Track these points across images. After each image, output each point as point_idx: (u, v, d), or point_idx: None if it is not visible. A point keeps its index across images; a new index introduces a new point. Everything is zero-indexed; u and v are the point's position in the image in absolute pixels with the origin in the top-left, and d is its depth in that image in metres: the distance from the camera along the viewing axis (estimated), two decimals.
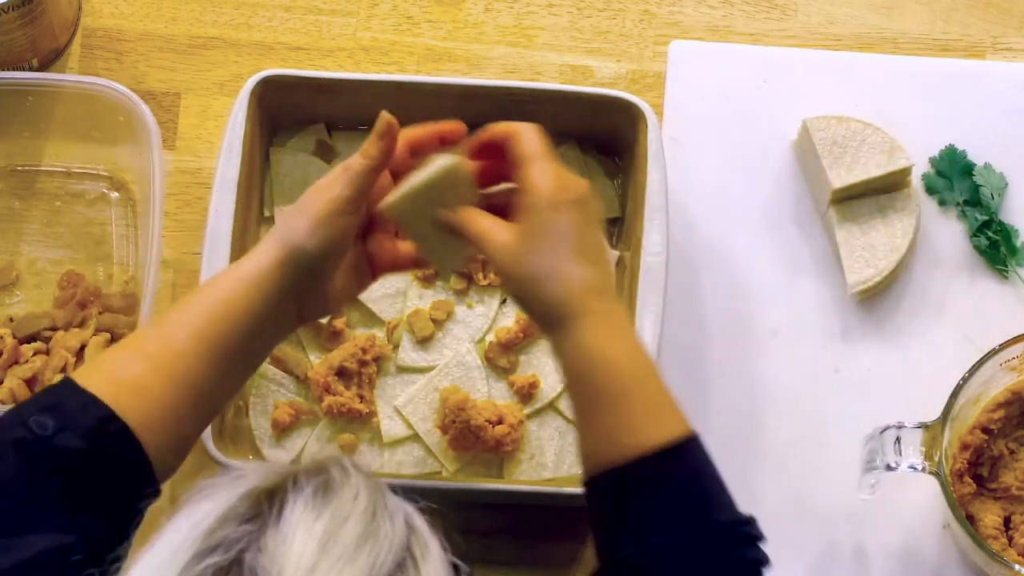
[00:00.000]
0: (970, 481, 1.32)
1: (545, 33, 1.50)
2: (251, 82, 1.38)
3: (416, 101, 1.41)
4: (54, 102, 1.44)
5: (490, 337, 1.39)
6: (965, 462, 1.32)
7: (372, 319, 1.40)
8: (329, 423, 1.37)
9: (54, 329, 1.41)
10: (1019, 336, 1.31)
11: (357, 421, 1.37)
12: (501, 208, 1.17)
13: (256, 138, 1.39)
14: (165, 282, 1.43)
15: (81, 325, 1.41)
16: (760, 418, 1.39)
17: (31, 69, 1.48)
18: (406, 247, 1.21)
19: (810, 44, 1.49)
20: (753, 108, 1.46)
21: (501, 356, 1.38)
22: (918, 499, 1.35)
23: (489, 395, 1.38)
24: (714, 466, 1.12)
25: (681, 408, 1.13)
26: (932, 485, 1.29)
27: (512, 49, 1.50)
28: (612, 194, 1.43)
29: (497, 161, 1.19)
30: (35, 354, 1.39)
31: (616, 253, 1.40)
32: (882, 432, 1.28)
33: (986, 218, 1.42)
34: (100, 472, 1.06)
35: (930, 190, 1.44)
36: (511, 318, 1.40)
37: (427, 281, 1.41)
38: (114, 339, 1.39)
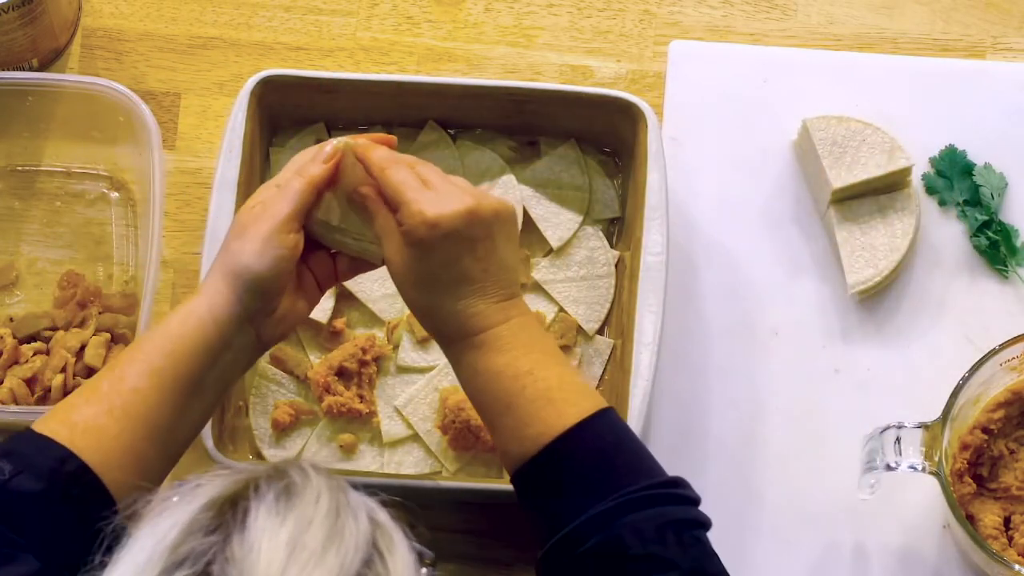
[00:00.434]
0: (970, 481, 1.32)
1: (545, 33, 1.50)
2: (251, 82, 1.38)
3: (416, 101, 1.41)
4: (54, 102, 1.44)
5: None
6: (965, 462, 1.31)
7: (372, 319, 1.40)
8: (329, 423, 1.37)
9: (54, 329, 1.41)
10: (1019, 336, 1.31)
11: (357, 421, 1.37)
12: None
13: (256, 138, 1.39)
14: (165, 282, 1.43)
15: (81, 325, 1.40)
16: (760, 418, 1.39)
17: (31, 69, 1.48)
18: (343, 258, 1.22)
19: (810, 44, 1.49)
20: (753, 108, 1.46)
21: None
22: (918, 499, 1.35)
23: None
24: (629, 435, 1.13)
25: (585, 387, 1.14)
26: (932, 485, 1.29)
27: (512, 49, 1.50)
28: (612, 194, 1.43)
29: None
30: (35, 354, 1.39)
31: (616, 253, 1.40)
32: (882, 432, 1.28)
33: (986, 218, 1.42)
34: (61, 508, 1.06)
35: (930, 190, 1.44)
36: None
37: None
38: (114, 339, 1.39)
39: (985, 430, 1.33)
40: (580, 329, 1.39)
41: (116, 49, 1.51)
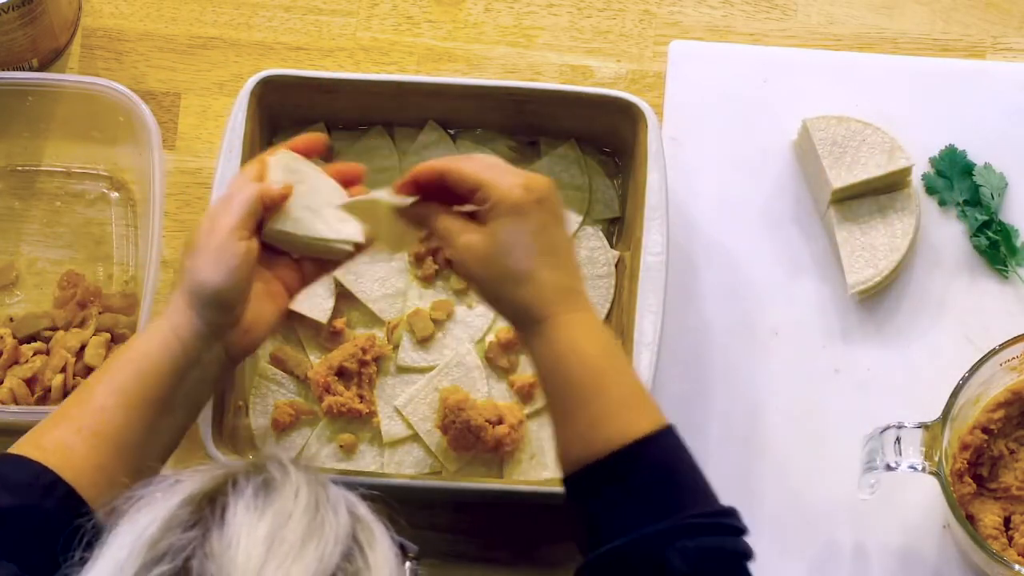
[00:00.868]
0: (970, 481, 1.32)
1: (545, 33, 1.50)
2: (251, 82, 1.38)
3: (416, 101, 1.41)
4: (54, 102, 1.44)
5: (490, 337, 1.39)
6: (965, 462, 1.31)
7: (372, 319, 1.40)
8: (329, 423, 1.37)
9: (54, 329, 1.41)
10: (1019, 336, 1.31)
11: (357, 421, 1.37)
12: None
13: (256, 138, 1.39)
14: (165, 282, 1.43)
15: (81, 325, 1.41)
16: (760, 418, 1.39)
17: (31, 69, 1.48)
18: (307, 262, 1.22)
19: (810, 44, 1.49)
20: (753, 108, 1.46)
21: (501, 356, 1.38)
22: (918, 499, 1.35)
23: (489, 395, 1.38)
24: (691, 457, 1.13)
25: (652, 401, 1.14)
26: (932, 485, 1.29)
27: (512, 49, 1.50)
28: (612, 194, 1.43)
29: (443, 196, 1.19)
30: (35, 354, 1.39)
31: (616, 253, 1.40)
32: (882, 432, 1.28)
33: (986, 218, 1.42)
34: (40, 523, 1.06)
35: (930, 190, 1.44)
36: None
37: (427, 281, 1.41)
38: (114, 339, 1.39)
39: (985, 430, 1.33)
40: None
41: (116, 49, 1.51)
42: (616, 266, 1.40)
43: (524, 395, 1.37)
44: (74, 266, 1.44)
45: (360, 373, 1.37)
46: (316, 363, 1.38)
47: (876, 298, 1.41)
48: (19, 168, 1.47)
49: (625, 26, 1.50)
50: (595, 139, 1.43)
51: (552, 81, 1.48)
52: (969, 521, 1.30)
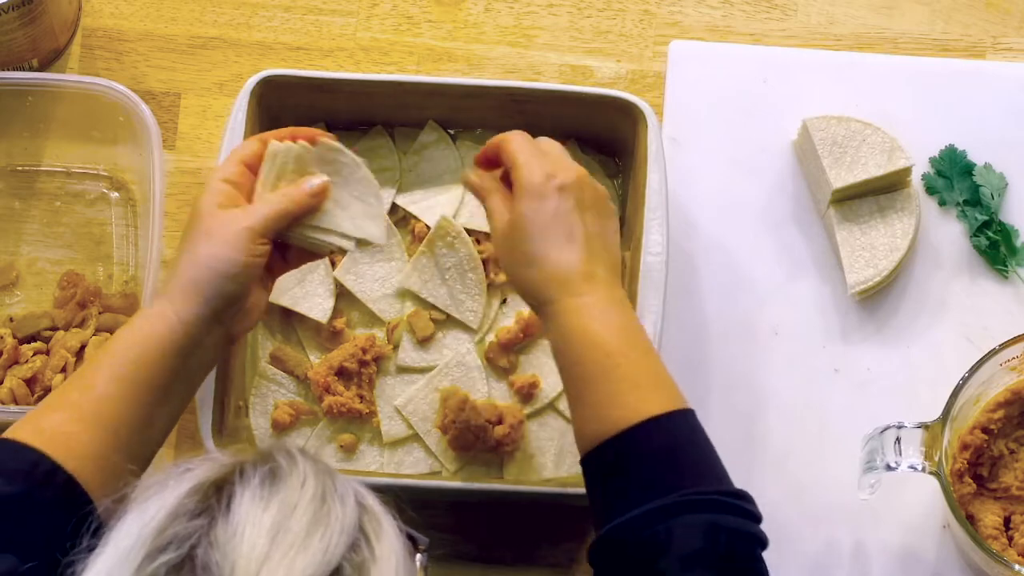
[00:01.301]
0: (970, 481, 1.32)
1: (545, 33, 1.50)
2: (251, 82, 1.38)
3: (416, 101, 1.41)
4: (54, 102, 1.44)
5: (490, 337, 1.39)
6: (965, 462, 1.31)
7: (372, 319, 1.40)
8: (329, 423, 1.37)
9: (54, 329, 1.41)
10: (1019, 336, 1.31)
11: (357, 421, 1.37)
12: None
13: None
14: (165, 282, 1.43)
15: (81, 325, 1.41)
16: (760, 418, 1.39)
17: (31, 69, 1.48)
18: (292, 248, 1.23)
19: (810, 44, 1.49)
20: (753, 108, 1.46)
21: (501, 356, 1.38)
22: (918, 499, 1.35)
23: (489, 395, 1.38)
24: (706, 441, 1.13)
25: (672, 384, 1.15)
26: (932, 485, 1.29)
27: (512, 49, 1.50)
28: (612, 194, 1.42)
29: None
30: (35, 354, 1.39)
31: None
32: (882, 432, 1.28)
33: (986, 218, 1.42)
34: (37, 509, 1.06)
35: (930, 190, 1.44)
36: (511, 318, 1.40)
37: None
38: None
39: (985, 430, 1.33)
40: None
41: (116, 49, 1.51)
42: None
43: (524, 395, 1.37)
44: (74, 266, 1.44)
45: (360, 373, 1.37)
46: (316, 363, 1.38)
47: (876, 298, 1.41)
48: (19, 168, 1.47)
49: (625, 26, 1.50)
50: (595, 139, 1.43)
51: (552, 81, 1.48)
52: (969, 521, 1.30)
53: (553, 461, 1.36)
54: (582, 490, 1.18)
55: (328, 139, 1.22)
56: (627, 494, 1.09)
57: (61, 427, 1.11)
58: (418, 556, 0.98)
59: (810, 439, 1.38)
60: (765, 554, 1.10)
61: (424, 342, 1.39)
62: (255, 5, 1.52)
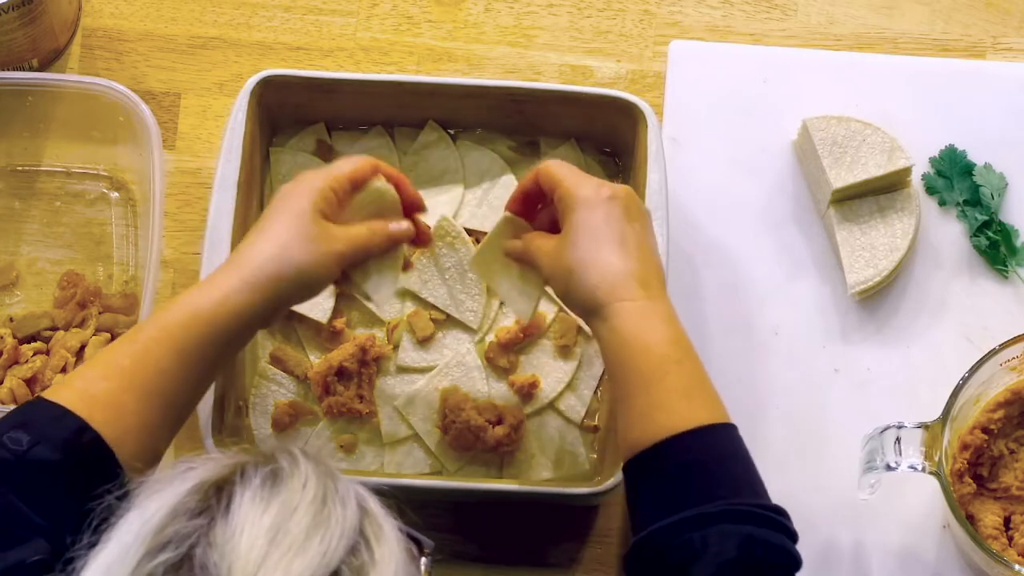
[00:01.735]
0: (970, 481, 1.32)
1: (545, 33, 1.50)
2: (251, 82, 1.38)
3: (416, 101, 1.41)
4: (54, 102, 1.44)
5: (490, 337, 1.39)
6: (965, 462, 1.31)
7: (372, 319, 1.40)
8: (329, 423, 1.37)
9: (54, 329, 1.41)
10: (1019, 336, 1.31)
11: (357, 421, 1.37)
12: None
13: (256, 138, 1.39)
14: (165, 282, 1.43)
15: (81, 325, 1.41)
16: (760, 418, 1.39)
17: (31, 69, 1.48)
18: None
19: (810, 44, 1.49)
20: (753, 108, 1.46)
21: (501, 356, 1.38)
22: (918, 499, 1.35)
23: (489, 395, 1.38)
24: (747, 456, 1.13)
25: (718, 398, 1.15)
26: (932, 485, 1.29)
27: (512, 49, 1.50)
28: None
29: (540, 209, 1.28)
30: (35, 354, 1.39)
31: None
32: (882, 432, 1.28)
33: (986, 218, 1.42)
34: (76, 481, 1.06)
35: (930, 190, 1.44)
36: (511, 318, 1.40)
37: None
38: (114, 339, 1.39)
39: (985, 430, 1.33)
40: (580, 329, 1.39)
41: (116, 49, 1.51)
42: None
43: (524, 395, 1.37)
44: (74, 266, 1.44)
45: (360, 373, 1.37)
46: (316, 363, 1.38)
47: (876, 298, 1.41)
48: (19, 168, 1.47)
49: (625, 26, 1.50)
50: (595, 139, 1.43)
51: (552, 81, 1.48)
52: (969, 521, 1.30)
53: (553, 461, 1.36)
54: (582, 490, 1.18)
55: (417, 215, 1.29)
56: (667, 500, 1.09)
57: (112, 397, 1.11)
58: (422, 560, 0.98)
59: (810, 439, 1.38)
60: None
61: (424, 342, 1.39)
62: (255, 5, 1.52)
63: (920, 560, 1.35)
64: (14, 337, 1.40)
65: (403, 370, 1.39)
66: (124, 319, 1.40)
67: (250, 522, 0.89)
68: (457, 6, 1.51)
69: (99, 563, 0.91)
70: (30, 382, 1.38)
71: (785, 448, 1.38)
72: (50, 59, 1.50)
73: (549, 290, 1.40)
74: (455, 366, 1.38)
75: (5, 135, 1.46)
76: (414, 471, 1.36)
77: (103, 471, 1.07)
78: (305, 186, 1.21)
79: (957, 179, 1.43)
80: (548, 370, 1.38)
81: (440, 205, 1.42)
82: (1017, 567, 1.26)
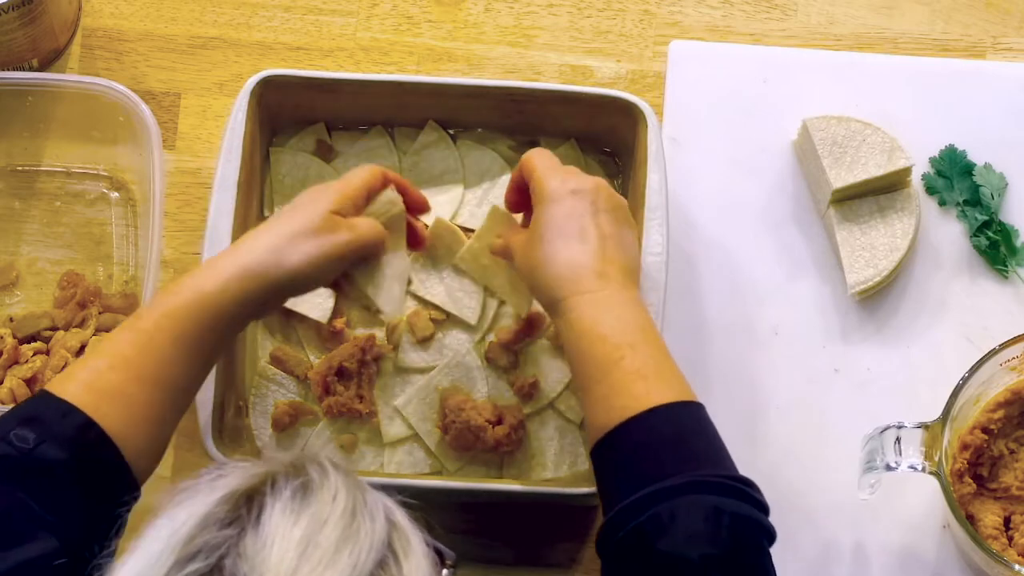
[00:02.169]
0: (970, 481, 1.32)
1: (545, 33, 1.50)
2: (251, 82, 1.38)
3: (416, 101, 1.41)
4: (54, 102, 1.44)
5: (490, 337, 1.39)
6: (965, 462, 1.31)
7: (372, 319, 1.40)
8: (329, 423, 1.37)
9: (54, 329, 1.41)
10: (1019, 336, 1.31)
11: (357, 421, 1.37)
12: None
13: (256, 138, 1.39)
14: (165, 282, 1.43)
15: (81, 325, 1.41)
16: (760, 418, 1.39)
17: (31, 69, 1.48)
18: None
19: (810, 44, 1.49)
20: (753, 108, 1.46)
21: (501, 356, 1.38)
22: (918, 499, 1.35)
23: (489, 395, 1.38)
24: (714, 432, 1.14)
25: (681, 378, 1.15)
26: (932, 485, 1.29)
27: (512, 49, 1.50)
28: None
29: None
30: (35, 354, 1.39)
31: None
32: (882, 432, 1.28)
33: (986, 218, 1.42)
34: (82, 479, 1.06)
35: (930, 190, 1.44)
36: (510, 318, 1.40)
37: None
38: None
39: (985, 430, 1.33)
40: None
41: (116, 49, 1.51)
42: None
43: (524, 395, 1.37)
44: (74, 266, 1.44)
45: (360, 373, 1.37)
46: (316, 363, 1.38)
47: (876, 298, 1.41)
48: (19, 168, 1.47)
49: (625, 26, 1.50)
50: (595, 139, 1.43)
51: (552, 81, 1.48)
52: (969, 521, 1.30)
53: (553, 461, 1.36)
54: (582, 490, 1.18)
55: (441, 218, 1.33)
56: (632, 480, 1.10)
57: (119, 388, 1.11)
58: (444, 572, 0.98)
59: (810, 439, 1.38)
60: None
61: (424, 342, 1.39)
62: (255, 5, 1.52)
63: (920, 560, 1.35)
64: (14, 337, 1.40)
65: (403, 370, 1.39)
66: (124, 319, 1.40)
67: (280, 534, 0.89)
68: (457, 6, 1.51)
69: (128, 570, 0.90)
70: (30, 382, 1.38)
71: (785, 448, 1.38)
72: (50, 59, 1.50)
73: None
74: (455, 366, 1.38)
75: (5, 135, 1.46)
76: (414, 471, 1.36)
77: (111, 465, 1.08)
78: (323, 192, 1.22)
79: (957, 179, 1.43)
80: (548, 370, 1.38)
81: (440, 205, 1.42)
82: (1017, 567, 1.26)
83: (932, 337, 1.40)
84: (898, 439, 1.27)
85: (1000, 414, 1.33)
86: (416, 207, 1.31)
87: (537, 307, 1.36)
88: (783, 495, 1.37)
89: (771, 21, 1.50)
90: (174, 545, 0.89)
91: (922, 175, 1.44)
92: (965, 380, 1.29)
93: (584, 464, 1.36)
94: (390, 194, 1.27)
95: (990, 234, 1.42)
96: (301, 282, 1.20)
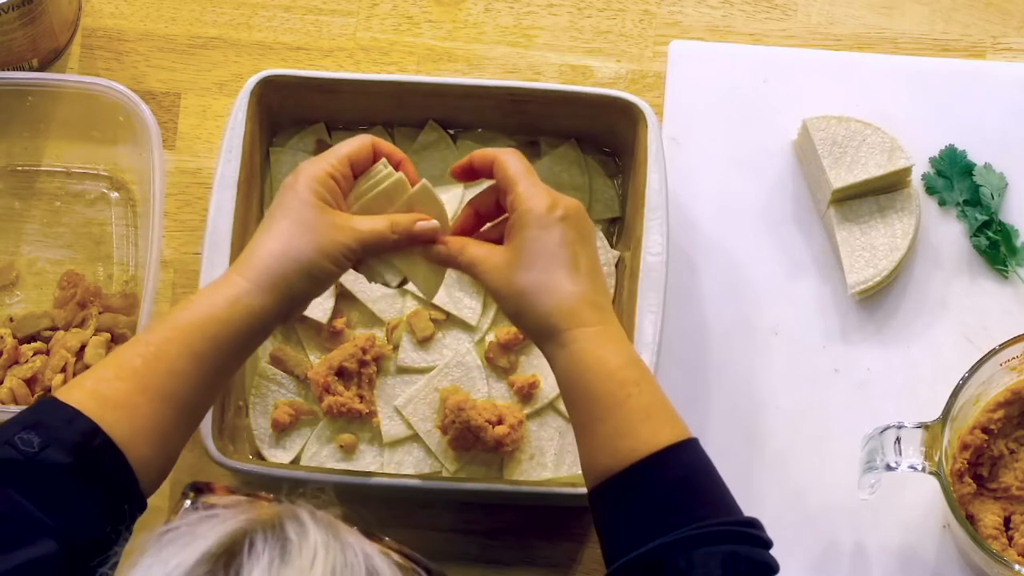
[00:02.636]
0: (970, 481, 1.32)
1: (545, 33, 1.50)
2: (251, 82, 1.38)
3: (416, 101, 1.41)
4: (54, 102, 1.44)
5: (490, 337, 1.39)
6: (965, 462, 1.31)
7: (372, 319, 1.40)
8: (329, 423, 1.37)
9: (54, 329, 1.41)
10: (1019, 336, 1.31)
11: (357, 421, 1.37)
12: (495, 240, 1.22)
13: (256, 138, 1.39)
14: (165, 282, 1.43)
15: (81, 325, 1.41)
16: (760, 418, 1.39)
17: (31, 69, 1.48)
18: None
19: (810, 44, 1.49)
20: (753, 108, 1.46)
21: (501, 356, 1.38)
22: (918, 499, 1.35)
23: (489, 395, 1.38)
24: (713, 469, 1.12)
25: (676, 414, 1.14)
26: (932, 485, 1.29)
27: (512, 49, 1.50)
28: (612, 194, 1.43)
29: (487, 195, 1.24)
30: (35, 354, 1.39)
31: (616, 253, 1.40)
32: (882, 432, 1.28)
33: (986, 218, 1.42)
34: (86, 484, 1.06)
35: (930, 190, 1.44)
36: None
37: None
38: (114, 339, 1.39)
39: (985, 430, 1.33)
40: None
41: (116, 49, 1.51)
42: (616, 266, 1.40)
43: (524, 395, 1.37)
44: (74, 266, 1.44)
45: (360, 373, 1.37)
46: (316, 363, 1.38)
47: (876, 298, 1.41)
48: (19, 168, 1.47)
49: (625, 26, 1.50)
50: (595, 139, 1.43)
51: (552, 81, 1.48)
52: (969, 521, 1.30)
53: (553, 461, 1.36)
54: (582, 490, 1.18)
55: (427, 184, 1.23)
56: (642, 524, 1.09)
57: (125, 398, 1.10)
58: None
59: (810, 439, 1.38)
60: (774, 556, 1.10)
61: (424, 342, 1.39)
62: (255, 5, 1.52)
63: (920, 560, 1.35)
64: (14, 337, 1.40)
65: (403, 370, 1.39)
66: (124, 319, 1.40)
67: None
68: (457, 6, 1.51)
69: None
70: (30, 382, 1.38)
71: (785, 448, 1.38)
72: (50, 59, 1.50)
73: None
74: (455, 366, 1.38)
75: (5, 135, 1.46)
76: (414, 471, 1.36)
77: (117, 474, 1.07)
78: (303, 175, 1.18)
79: (957, 179, 1.43)
80: (548, 370, 1.37)
81: None
82: (1017, 567, 1.26)
83: (932, 337, 1.40)
84: (898, 439, 1.27)
85: (1000, 414, 1.33)
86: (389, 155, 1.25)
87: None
88: (783, 495, 1.37)
89: (771, 21, 1.50)
90: None
91: (922, 175, 1.44)
92: (965, 380, 1.29)
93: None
94: (383, 169, 1.22)
95: (990, 234, 1.42)
96: (314, 286, 1.17)
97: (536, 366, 1.38)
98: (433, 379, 1.38)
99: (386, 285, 1.24)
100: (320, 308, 1.39)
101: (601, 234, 1.41)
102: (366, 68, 1.50)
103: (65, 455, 1.05)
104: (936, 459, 1.26)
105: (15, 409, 1.34)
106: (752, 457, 1.38)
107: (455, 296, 1.40)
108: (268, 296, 1.14)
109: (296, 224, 1.16)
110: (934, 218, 1.43)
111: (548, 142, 1.43)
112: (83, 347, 1.39)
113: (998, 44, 1.49)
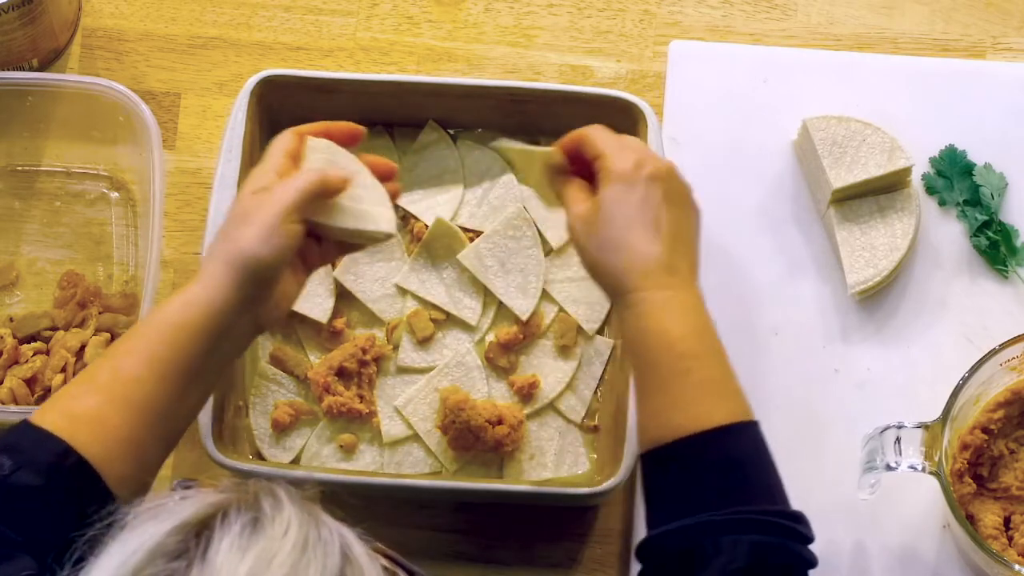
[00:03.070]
0: (970, 481, 1.32)
1: (545, 33, 1.50)
2: (251, 82, 1.38)
3: (416, 101, 1.41)
4: (54, 102, 1.44)
5: (490, 337, 1.39)
6: (965, 462, 1.31)
7: (372, 319, 1.40)
8: (329, 423, 1.37)
9: (54, 329, 1.41)
10: (1019, 336, 1.31)
11: (357, 421, 1.37)
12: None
13: (256, 138, 1.39)
14: (165, 282, 1.43)
15: (81, 325, 1.41)
16: (760, 418, 1.38)
17: (31, 69, 1.48)
18: (327, 241, 1.21)
19: (810, 44, 1.49)
20: (753, 108, 1.46)
21: (501, 356, 1.38)
22: (918, 499, 1.35)
23: (489, 395, 1.38)
24: (767, 455, 1.12)
25: (740, 393, 1.14)
26: (932, 485, 1.29)
27: (512, 49, 1.50)
28: None
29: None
30: (35, 354, 1.39)
31: None
32: (882, 432, 1.28)
33: (986, 218, 1.42)
34: (58, 504, 1.05)
35: (930, 190, 1.44)
36: (510, 318, 1.40)
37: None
38: (114, 339, 1.39)
39: (985, 430, 1.33)
40: (580, 329, 1.39)
41: (116, 49, 1.51)
42: None
43: (524, 395, 1.37)
44: (74, 266, 1.44)
45: (360, 373, 1.37)
46: (316, 363, 1.38)
47: (876, 298, 1.41)
48: (19, 168, 1.47)
49: (625, 26, 1.50)
50: None
51: (552, 81, 1.48)
52: (969, 521, 1.30)
53: (553, 461, 1.36)
54: (582, 490, 1.18)
55: (323, 137, 1.22)
56: (681, 502, 1.09)
57: (94, 411, 1.09)
58: None
59: (810, 439, 1.38)
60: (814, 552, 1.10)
61: (424, 342, 1.39)
62: (255, 5, 1.52)
63: (920, 560, 1.35)
64: (14, 337, 1.40)
65: (403, 370, 1.39)
66: (124, 319, 1.40)
67: (226, 570, 0.87)
68: (457, 6, 1.51)
69: None
70: (30, 382, 1.38)
71: (785, 448, 1.38)
72: (50, 59, 1.50)
73: (546, 288, 1.40)
74: (455, 366, 1.38)
75: (5, 135, 1.46)
76: (414, 471, 1.36)
77: (91, 493, 1.06)
78: (249, 182, 1.18)
79: (957, 179, 1.43)
80: (548, 370, 1.38)
81: (440, 205, 1.42)
82: (1017, 567, 1.26)
83: (932, 337, 1.40)
84: (898, 439, 1.27)
85: (1000, 414, 1.33)
86: (347, 139, 1.25)
87: (540, 310, 1.36)
88: None
89: (771, 21, 1.50)
90: (123, 575, 0.88)
91: (922, 175, 1.44)
92: (965, 380, 1.29)
93: (584, 464, 1.36)
94: (315, 141, 1.21)
95: (990, 234, 1.42)
96: (267, 266, 1.14)
97: (536, 366, 1.39)
98: (433, 379, 1.38)
99: (386, 237, 1.22)
100: (320, 308, 1.39)
101: None
102: (366, 68, 1.50)
103: (36, 477, 1.06)
104: (936, 459, 1.26)
105: (15, 409, 1.34)
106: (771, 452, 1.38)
107: (455, 296, 1.40)
108: (219, 290, 1.13)
109: (234, 217, 1.15)
110: (934, 218, 1.43)
111: (548, 142, 1.43)
112: (83, 347, 1.39)
113: (998, 44, 1.49)
